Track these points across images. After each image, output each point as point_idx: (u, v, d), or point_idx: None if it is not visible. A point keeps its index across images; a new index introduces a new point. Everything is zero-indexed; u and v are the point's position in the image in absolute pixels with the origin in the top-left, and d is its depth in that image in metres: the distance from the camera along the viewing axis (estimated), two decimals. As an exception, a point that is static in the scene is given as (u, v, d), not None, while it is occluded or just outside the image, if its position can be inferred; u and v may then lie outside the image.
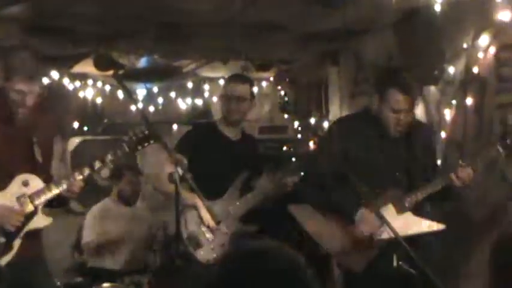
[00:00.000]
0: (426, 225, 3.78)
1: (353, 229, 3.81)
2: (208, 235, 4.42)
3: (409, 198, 3.79)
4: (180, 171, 3.69)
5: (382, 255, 3.74)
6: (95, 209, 5.97)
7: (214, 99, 7.94)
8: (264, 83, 8.22)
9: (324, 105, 7.45)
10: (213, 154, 4.50)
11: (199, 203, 4.33)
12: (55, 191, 3.71)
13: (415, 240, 3.59)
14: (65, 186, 3.72)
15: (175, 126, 7.94)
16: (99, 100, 8.06)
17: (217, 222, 4.37)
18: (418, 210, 3.85)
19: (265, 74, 7.95)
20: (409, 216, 3.80)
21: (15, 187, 3.68)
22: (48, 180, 3.77)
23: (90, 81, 7.89)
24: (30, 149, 3.78)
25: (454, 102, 4.96)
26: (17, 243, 3.66)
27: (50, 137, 4.03)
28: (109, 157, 3.79)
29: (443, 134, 4.97)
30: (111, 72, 6.77)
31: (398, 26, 5.44)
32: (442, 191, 3.81)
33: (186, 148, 4.40)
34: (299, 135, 7.54)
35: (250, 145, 4.86)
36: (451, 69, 4.99)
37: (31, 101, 3.71)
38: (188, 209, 4.36)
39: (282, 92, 8.10)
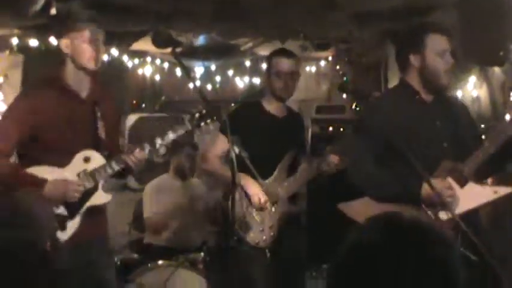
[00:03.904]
0: (492, 192, 3.41)
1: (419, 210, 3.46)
2: (257, 217, 4.37)
3: (467, 168, 3.43)
4: (236, 150, 3.65)
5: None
6: (152, 184, 6.01)
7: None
8: (322, 62, 8.14)
9: (383, 85, 7.33)
10: (259, 133, 4.42)
11: (248, 183, 4.29)
12: (116, 167, 3.72)
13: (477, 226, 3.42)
14: (126, 162, 3.73)
15: (232, 105, 7.93)
16: (157, 77, 8.11)
17: (274, 202, 4.34)
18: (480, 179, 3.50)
19: (323, 54, 7.86)
20: (472, 186, 3.44)
21: (76, 163, 3.70)
22: (110, 156, 3.77)
23: (148, 59, 7.94)
24: (93, 125, 3.78)
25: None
26: (77, 219, 3.68)
27: (113, 114, 4.02)
28: (170, 134, 3.78)
29: (507, 117, 4.82)
30: (169, 49, 6.78)
31: (463, 4, 5.27)
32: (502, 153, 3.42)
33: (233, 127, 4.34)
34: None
35: (296, 121, 4.77)
36: (517, 50, 4.83)
37: (94, 78, 3.75)
38: (236, 190, 4.33)
39: (341, 72, 8.00)
